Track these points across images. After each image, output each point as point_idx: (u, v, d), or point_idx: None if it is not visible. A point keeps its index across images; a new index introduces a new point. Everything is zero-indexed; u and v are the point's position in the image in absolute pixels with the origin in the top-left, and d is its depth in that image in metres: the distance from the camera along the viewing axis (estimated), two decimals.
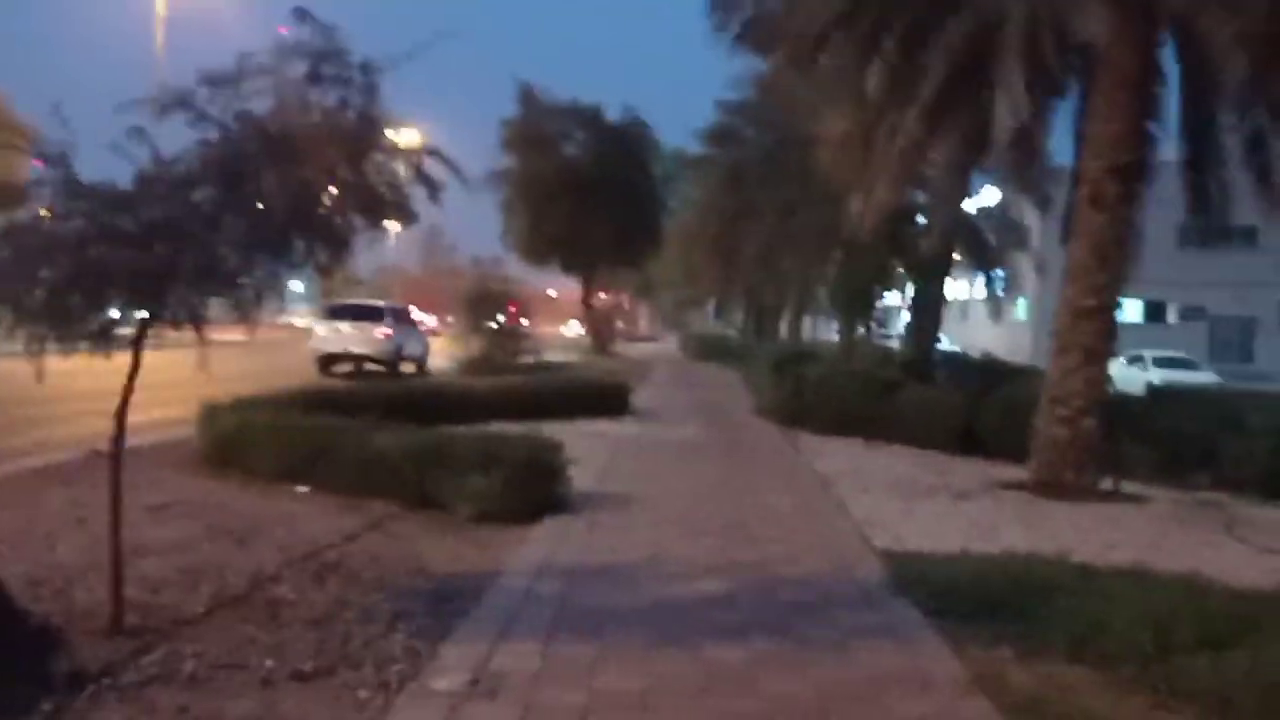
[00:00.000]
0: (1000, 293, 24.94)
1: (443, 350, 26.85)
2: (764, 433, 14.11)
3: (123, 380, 4.48)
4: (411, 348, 24.18)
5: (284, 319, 54.62)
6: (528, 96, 37.04)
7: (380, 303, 25.86)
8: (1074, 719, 3.93)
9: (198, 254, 4.28)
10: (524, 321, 28.47)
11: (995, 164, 10.99)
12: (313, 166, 4.25)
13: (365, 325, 22.50)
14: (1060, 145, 11.38)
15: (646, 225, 38.59)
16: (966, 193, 15.16)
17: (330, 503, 7.50)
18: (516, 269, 38.71)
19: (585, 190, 35.82)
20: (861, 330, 26.45)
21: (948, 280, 21.93)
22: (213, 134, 4.38)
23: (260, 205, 4.23)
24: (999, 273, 24.12)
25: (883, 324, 27.26)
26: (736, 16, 14.26)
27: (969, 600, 5.22)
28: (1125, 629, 4.55)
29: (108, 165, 4.32)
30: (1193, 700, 4.06)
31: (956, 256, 21.66)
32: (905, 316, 25.34)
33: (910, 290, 23.69)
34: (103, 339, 4.43)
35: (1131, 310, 34.84)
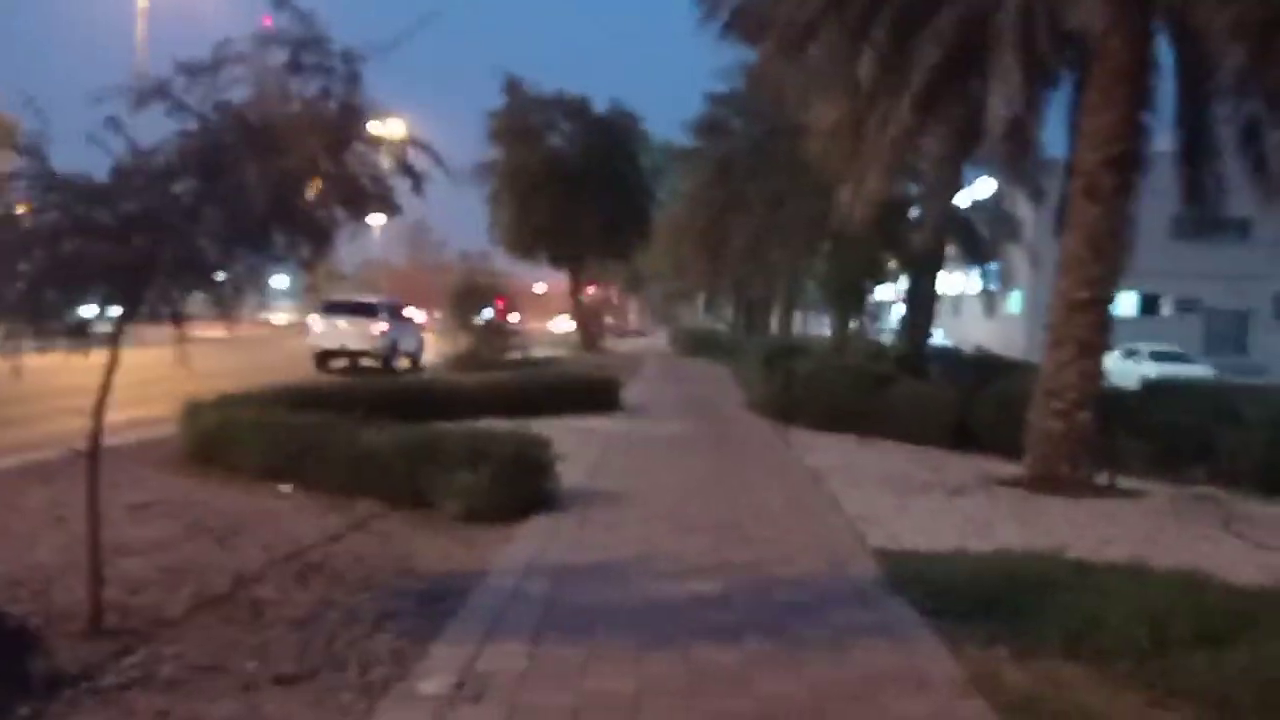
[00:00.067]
0: (994, 286, 24.93)
1: (431, 346, 26.85)
2: (755, 428, 14.04)
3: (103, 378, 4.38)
4: (406, 343, 24.55)
5: (265, 316, 54.46)
6: (513, 88, 36.87)
7: (375, 299, 26.06)
8: (1071, 717, 3.87)
9: (177, 247, 4.18)
10: (513, 317, 28.45)
11: (988, 155, 10.90)
12: (294, 157, 4.15)
13: (361, 321, 22.80)
14: (1053, 137, 11.35)
15: (635, 217, 38.48)
16: (959, 185, 15.08)
17: (315, 501, 7.40)
18: (504, 263, 38.62)
19: (572, 181, 35.71)
20: (854, 324, 26.42)
21: (940, 274, 21.88)
22: (191, 124, 4.29)
23: (240, 197, 4.12)
24: (992, 266, 24.10)
25: (875, 318, 27.22)
26: (725, 5, 14.10)
27: (965, 598, 5.16)
28: (1122, 625, 4.51)
29: (91, 159, 4.22)
30: (1190, 697, 4.01)
31: (949, 250, 21.60)
32: (898, 310, 25.31)
33: (903, 284, 23.64)
34: (79, 335, 4.35)
35: (1126, 303, 34.82)
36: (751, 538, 6.83)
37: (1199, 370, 27.49)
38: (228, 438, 8.43)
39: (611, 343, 47.87)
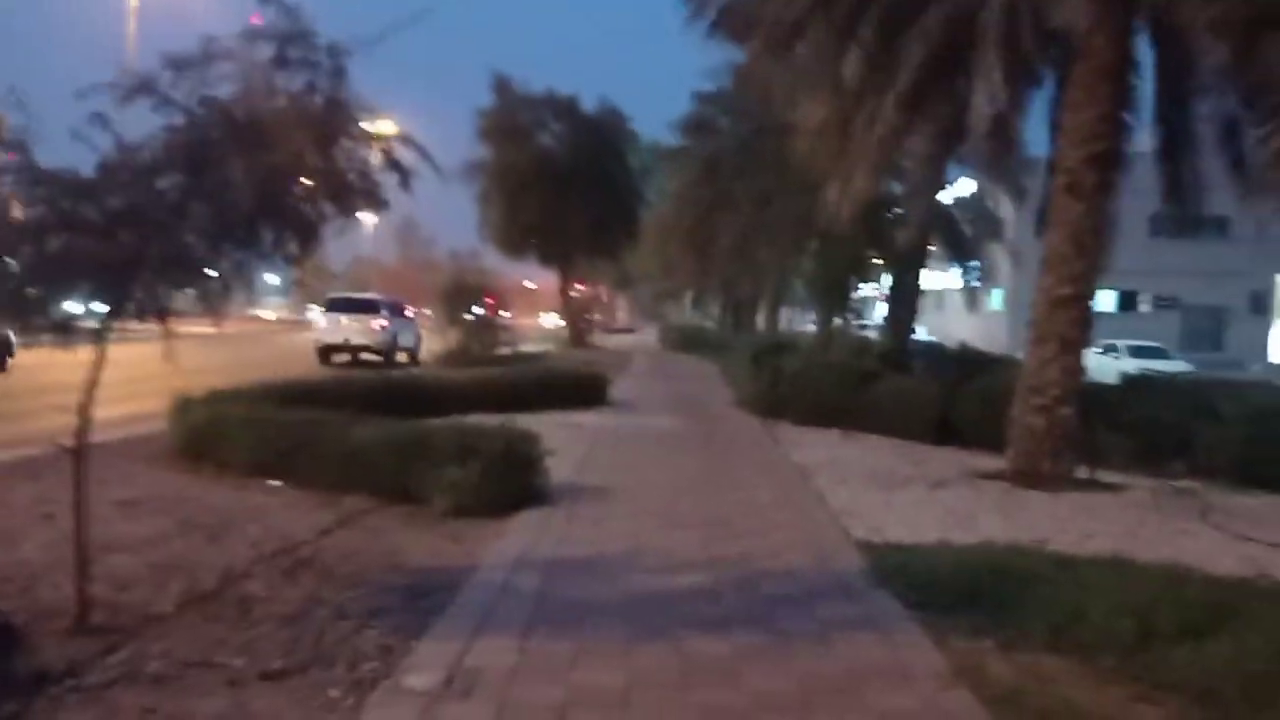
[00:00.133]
0: (976, 283, 25.06)
1: (425, 342, 27.10)
2: (742, 424, 14.08)
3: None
4: (405, 338, 25.90)
5: (254, 312, 54.18)
6: (503, 87, 36.87)
7: (377, 296, 27.24)
8: (1056, 711, 3.90)
9: (163, 243, 4.18)
10: (504, 314, 28.60)
11: (972, 153, 10.97)
12: (280, 152, 4.15)
13: (363, 317, 24.25)
14: (1034, 136, 11.43)
15: (623, 216, 38.60)
16: (943, 183, 15.16)
17: (304, 497, 7.39)
18: (494, 261, 38.62)
19: (561, 180, 35.82)
20: (838, 321, 26.49)
21: (924, 271, 21.98)
22: (178, 119, 4.28)
23: (226, 192, 4.12)
24: (974, 263, 24.22)
25: (860, 315, 27.31)
26: (712, 4, 14.11)
27: (949, 591, 5.20)
28: (1105, 618, 4.55)
29: (84, 156, 4.21)
30: (1174, 691, 4.04)
31: (932, 247, 21.71)
32: (882, 307, 25.40)
33: (887, 281, 23.72)
34: (65, 331, 4.33)
35: (1105, 300, 35.08)
36: (739, 532, 6.87)
37: (1176, 366, 27.69)
38: (218, 434, 8.41)
39: (600, 339, 47.84)
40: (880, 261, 23.15)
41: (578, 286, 47.72)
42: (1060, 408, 9.58)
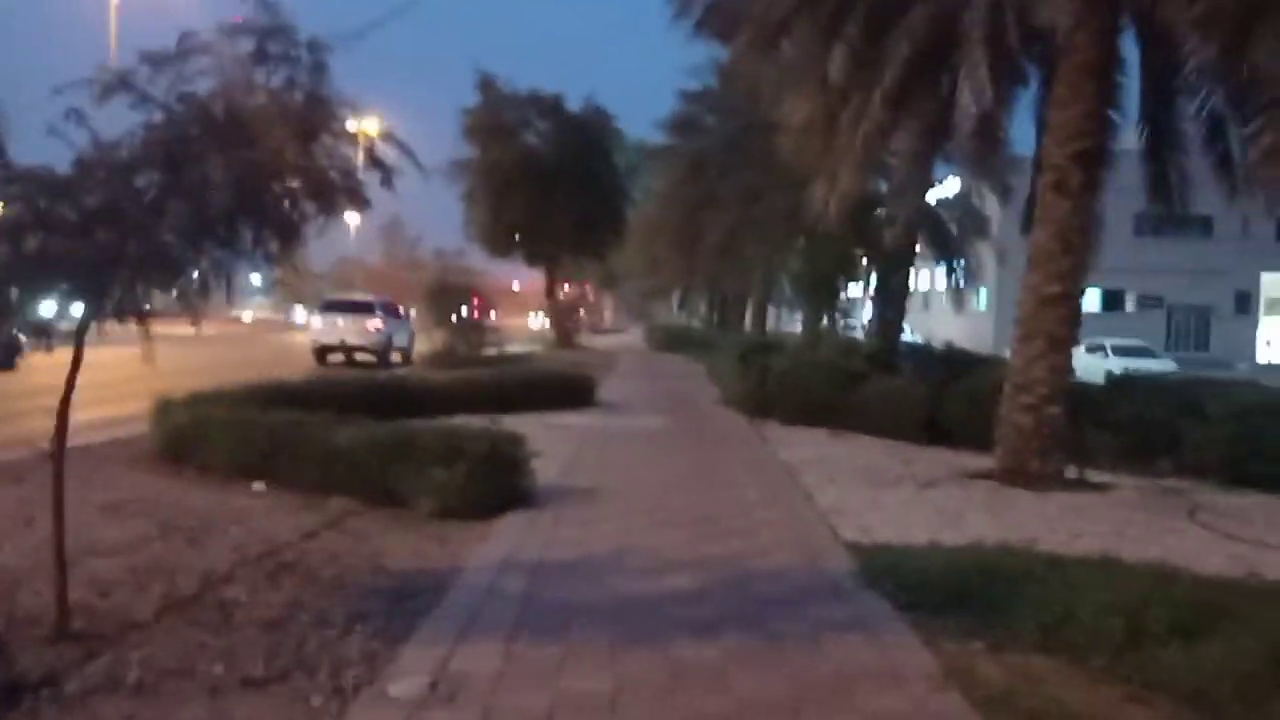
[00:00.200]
0: (961, 283, 25.08)
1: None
2: (730, 423, 14.05)
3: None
4: (399, 339, 26.20)
5: (237, 313, 53.87)
6: (487, 85, 36.73)
7: (371, 297, 27.53)
8: (1046, 711, 3.88)
9: (141, 242, 4.10)
10: (490, 314, 28.58)
11: (958, 151, 10.97)
12: (260, 149, 4.07)
13: (358, 318, 24.71)
14: (1020, 135, 11.45)
15: (609, 215, 38.46)
16: (930, 181, 15.17)
17: (288, 500, 7.32)
18: (480, 261, 38.42)
19: (546, 179, 35.65)
20: (826, 321, 26.48)
21: (911, 270, 22.00)
22: (156, 116, 4.20)
23: (205, 190, 4.04)
24: (960, 262, 24.24)
25: (847, 314, 27.30)
26: (698, 2, 14.11)
27: (938, 591, 5.17)
28: (1095, 618, 4.52)
29: (57, 153, 4.13)
30: (1166, 691, 4.02)
31: (919, 246, 21.72)
32: (869, 307, 25.41)
33: (874, 280, 23.73)
34: (41, 333, 4.26)
35: (1090, 299, 35.24)
36: (727, 532, 6.82)
37: (1162, 365, 27.82)
38: (200, 436, 8.34)
39: (587, 339, 47.77)
40: (868, 261, 23.14)
41: (564, 286, 47.62)
42: (1048, 406, 9.57)
